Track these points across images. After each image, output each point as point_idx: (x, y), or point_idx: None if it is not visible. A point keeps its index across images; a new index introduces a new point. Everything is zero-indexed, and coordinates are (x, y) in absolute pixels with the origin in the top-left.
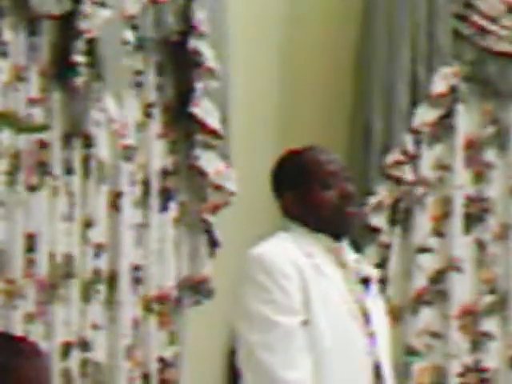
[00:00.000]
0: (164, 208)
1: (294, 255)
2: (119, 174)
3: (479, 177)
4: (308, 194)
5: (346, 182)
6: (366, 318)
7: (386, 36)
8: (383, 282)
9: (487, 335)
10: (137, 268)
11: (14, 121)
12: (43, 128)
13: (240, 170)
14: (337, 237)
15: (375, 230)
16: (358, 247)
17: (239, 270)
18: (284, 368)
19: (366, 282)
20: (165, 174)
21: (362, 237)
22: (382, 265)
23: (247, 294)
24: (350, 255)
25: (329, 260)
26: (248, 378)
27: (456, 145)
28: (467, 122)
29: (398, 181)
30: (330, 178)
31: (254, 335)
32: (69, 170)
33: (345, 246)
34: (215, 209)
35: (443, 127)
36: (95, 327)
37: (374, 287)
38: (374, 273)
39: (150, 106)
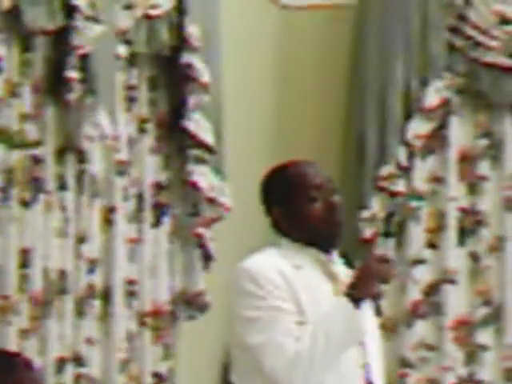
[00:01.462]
0: (158, 222)
1: (281, 267)
2: (113, 188)
3: (473, 189)
4: (294, 208)
5: (331, 194)
6: None
7: (379, 49)
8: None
9: (482, 347)
10: (131, 282)
11: (7, 136)
12: (36, 144)
13: (234, 184)
14: (326, 250)
15: (369, 243)
16: (350, 262)
17: (230, 285)
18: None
19: None
20: (158, 188)
21: (355, 250)
22: None
23: (241, 305)
24: (341, 268)
25: (318, 273)
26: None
27: (449, 157)
28: (460, 134)
29: (392, 193)
30: (315, 191)
31: (257, 337)
32: (62, 186)
33: (335, 258)
34: (209, 223)
35: (436, 140)
36: (89, 342)
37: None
38: None
39: (143, 120)
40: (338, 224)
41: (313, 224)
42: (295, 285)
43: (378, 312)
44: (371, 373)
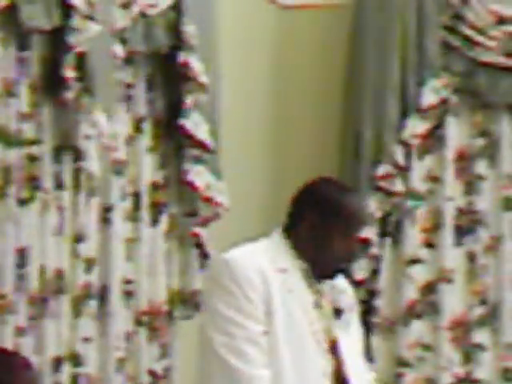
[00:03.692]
0: (155, 222)
1: (263, 267)
2: (110, 187)
3: (470, 188)
4: (327, 233)
5: (357, 239)
6: (333, 345)
7: (376, 48)
8: (374, 294)
9: (478, 347)
10: (128, 282)
11: (4, 135)
12: (33, 142)
13: (230, 184)
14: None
15: (365, 242)
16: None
17: (209, 270)
18: (250, 366)
19: (338, 312)
20: (155, 187)
21: None
22: (372, 277)
23: (213, 295)
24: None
25: (303, 281)
26: (215, 376)
27: (446, 156)
28: (457, 133)
29: (389, 193)
30: (354, 233)
31: (219, 336)
32: (59, 184)
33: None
34: (206, 222)
35: (433, 139)
36: (86, 341)
37: (347, 317)
38: (349, 300)
39: (140, 119)
40: (344, 271)
41: (326, 260)
42: (273, 290)
43: (372, 311)
44: (346, 369)
